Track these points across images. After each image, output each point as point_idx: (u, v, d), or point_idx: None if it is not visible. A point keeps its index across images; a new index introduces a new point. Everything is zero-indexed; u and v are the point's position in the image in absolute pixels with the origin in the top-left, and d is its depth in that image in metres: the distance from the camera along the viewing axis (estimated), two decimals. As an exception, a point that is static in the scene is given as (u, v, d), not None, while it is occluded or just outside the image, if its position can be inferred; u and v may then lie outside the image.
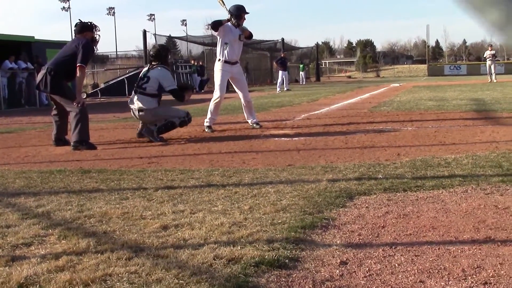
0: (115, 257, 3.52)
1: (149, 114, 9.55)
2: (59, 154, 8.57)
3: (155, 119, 9.59)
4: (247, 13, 10.78)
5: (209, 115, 10.79)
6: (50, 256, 3.59)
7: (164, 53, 10.17)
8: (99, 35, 9.72)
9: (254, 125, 11.16)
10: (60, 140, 9.39)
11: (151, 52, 10.36)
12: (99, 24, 9.81)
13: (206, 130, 10.70)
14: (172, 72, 9.97)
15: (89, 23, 9.61)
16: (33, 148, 9.44)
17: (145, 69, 10.22)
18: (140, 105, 9.56)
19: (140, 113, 9.60)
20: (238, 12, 10.64)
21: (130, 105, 9.80)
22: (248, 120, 11.35)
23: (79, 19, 9.74)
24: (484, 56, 39.59)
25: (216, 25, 10.70)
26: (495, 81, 35.46)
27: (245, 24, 10.91)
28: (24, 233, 4.13)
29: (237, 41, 10.81)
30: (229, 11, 10.64)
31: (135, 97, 9.71)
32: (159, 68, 9.75)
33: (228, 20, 10.63)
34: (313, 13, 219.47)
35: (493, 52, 38.24)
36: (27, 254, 3.69)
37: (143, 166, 7.06)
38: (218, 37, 10.95)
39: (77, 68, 9.07)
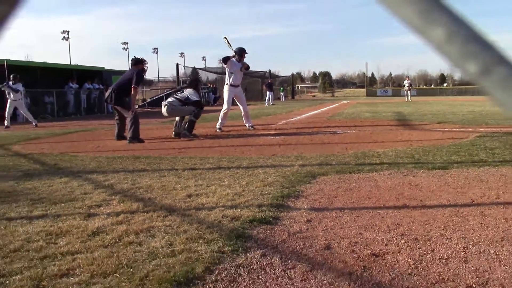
0: (156, 215, 3.52)
1: (170, 108, 9.60)
2: (119, 145, 8.54)
3: (173, 113, 9.65)
4: (247, 53, 10.87)
5: (219, 121, 10.85)
6: (113, 214, 3.59)
7: (195, 82, 10.32)
8: (147, 66, 9.76)
9: (250, 127, 11.23)
10: (120, 136, 9.36)
11: (187, 81, 10.67)
12: (147, 59, 9.86)
13: (217, 130, 10.74)
14: (199, 94, 10.00)
15: (140, 58, 9.63)
16: (102, 142, 9.40)
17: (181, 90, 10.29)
18: (169, 100, 9.72)
19: (165, 107, 9.65)
20: (241, 53, 10.77)
21: (162, 103, 9.94)
22: (246, 124, 11.39)
23: (134, 56, 9.76)
24: (403, 83, 39.86)
25: (225, 60, 10.89)
26: (410, 100, 35.47)
27: (246, 59, 10.99)
28: (96, 198, 4.13)
29: (239, 72, 10.89)
30: (234, 51, 10.71)
31: (168, 99, 9.89)
32: (191, 89, 9.82)
33: (233, 57, 10.71)
34: (291, 54, 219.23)
35: (409, 81, 39.13)
36: (98, 212, 3.68)
37: (175, 154, 7.04)
38: (226, 68, 10.99)
39: (132, 89, 9.09)
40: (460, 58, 0.37)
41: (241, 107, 11.20)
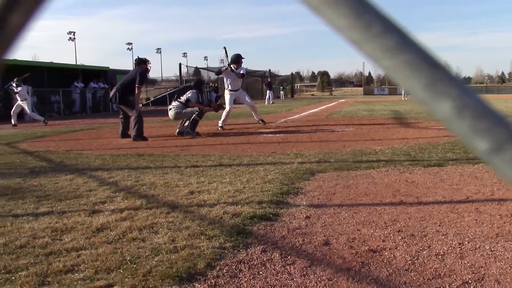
0: (159, 212, 3.50)
1: (174, 111, 9.59)
2: (124, 143, 8.52)
3: (178, 116, 9.62)
4: (243, 58, 11.00)
5: (222, 119, 10.87)
6: (117, 210, 3.58)
7: (199, 84, 10.32)
8: (150, 66, 9.79)
9: (260, 121, 11.61)
10: (125, 134, 9.33)
11: (191, 83, 10.60)
12: (150, 59, 9.90)
13: (219, 128, 10.75)
14: (201, 94, 9.97)
15: (144, 59, 9.62)
16: (106, 140, 9.39)
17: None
18: (174, 104, 9.69)
19: (170, 110, 9.66)
20: (237, 60, 10.86)
21: (168, 107, 9.96)
22: (255, 118, 11.66)
23: (138, 56, 9.77)
24: None
25: (219, 73, 11.43)
26: (406, 99, 35.37)
27: (245, 62, 11.10)
28: (100, 195, 4.11)
29: (236, 79, 10.91)
30: (231, 60, 10.77)
31: (173, 102, 9.82)
32: (192, 90, 9.82)
33: (226, 68, 10.83)
34: (290, 54, 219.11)
35: None
36: (102, 208, 3.67)
37: (178, 152, 7.02)
38: (223, 77, 11.13)
39: (136, 88, 9.06)
40: (469, 134, 0.35)
41: (246, 104, 11.53)
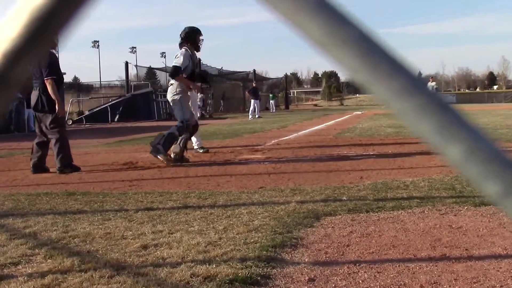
0: (98, 276, 3.47)
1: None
2: (46, 177, 8.46)
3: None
4: (202, 36, 10.49)
5: (196, 138, 10.96)
6: (36, 275, 3.54)
7: (191, 35, 10.04)
8: (57, 39, 9.42)
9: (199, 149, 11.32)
10: (40, 168, 8.95)
11: (181, 34, 10.09)
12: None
13: (199, 151, 10.85)
14: (193, 57, 9.79)
15: None
16: (21, 172, 9.31)
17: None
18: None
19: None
20: (193, 37, 10.56)
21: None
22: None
23: None
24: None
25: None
26: None
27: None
28: (12, 253, 4.07)
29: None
30: (181, 38, 10.53)
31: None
32: (183, 49, 9.83)
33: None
34: (283, 46, 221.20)
35: (433, 83, 36.95)
36: (15, 273, 3.62)
37: (124, 189, 7.00)
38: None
39: (46, 83, 8.71)
40: (480, 177, 0.45)
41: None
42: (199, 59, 10.58)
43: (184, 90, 9.80)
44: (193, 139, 10.97)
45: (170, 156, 9.36)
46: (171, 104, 9.95)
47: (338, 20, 0.46)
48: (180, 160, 9.48)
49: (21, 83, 0.50)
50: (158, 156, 9.23)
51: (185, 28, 10.19)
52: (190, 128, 9.64)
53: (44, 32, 0.49)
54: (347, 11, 0.47)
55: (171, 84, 9.91)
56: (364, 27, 0.47)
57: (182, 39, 10.05)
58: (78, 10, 0.49)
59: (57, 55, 9.37)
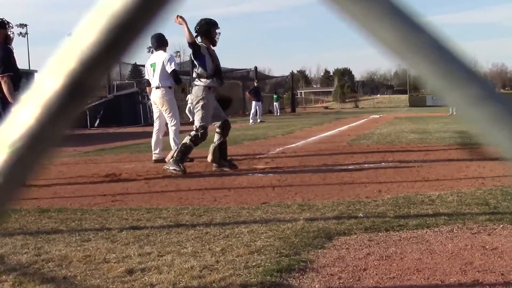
0: (76, 305, 3.47)
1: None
2: (15, 191, 8.44)
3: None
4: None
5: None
6: (5, 304, 3.54)
7: (207, 27, 10.16)
8: (12, 32, 9.18)
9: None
10: None
11: (197, 27, 10.18)
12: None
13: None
14: (209, 53, 9.91)
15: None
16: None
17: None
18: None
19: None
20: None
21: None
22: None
23: None
24: None
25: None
26: (453, 113, 34.74)
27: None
28: (-23, 279, 4.06)
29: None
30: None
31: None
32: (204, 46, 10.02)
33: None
34: (288, 40, 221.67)
35: None
36: (-20, 302, 3.62)
37: (107, 205, 6.99)
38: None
39: (2, 81, 8.64)
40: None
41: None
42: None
43: (210, 93, 10.04)
44: (153, 147, 11.54)
45: (184, 169, 9.68)
46: (192, 108, 10.03)
47: (412, 26, 0.50)
48: (222, 164, 9.93)
49: (96, 91, 0.55)
50: (172, 170, 9.61)
51: (200, 20, 10.35)
52: (205, 137, 9.85)
53: (122, 40, 0.52)
54: (421, 16, 0.51)
55: (196, 86, 10.03)
56: (439, 33, 0.51)
57: (196, 33, 10.23)
58: (155, 18, 0.53)
59: (11, 47, 9.27)
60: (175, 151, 9.77)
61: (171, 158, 9.80)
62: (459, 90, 0.50)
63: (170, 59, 11.35)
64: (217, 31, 10.30)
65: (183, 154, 9.70)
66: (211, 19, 10.40)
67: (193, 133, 9.65)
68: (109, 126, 32.31)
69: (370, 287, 3.71)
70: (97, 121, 33.88)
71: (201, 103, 9.78)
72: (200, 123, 9.71)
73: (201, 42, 10.09)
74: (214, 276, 3.92)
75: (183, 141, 9.74)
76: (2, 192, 0.55)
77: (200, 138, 9.72)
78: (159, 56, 11.47)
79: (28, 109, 0.54)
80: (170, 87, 11.19)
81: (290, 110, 64.11)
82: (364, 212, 5.93)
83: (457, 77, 0.50)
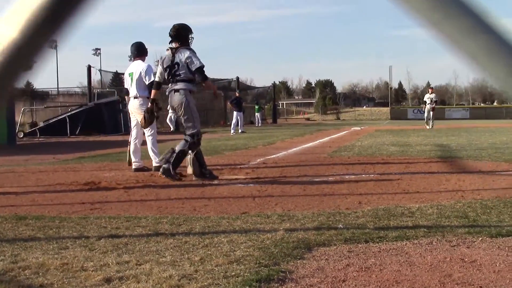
0: (52, 313, 3.45)
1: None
2: (-8, 198, 8.40)
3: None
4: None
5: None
6: (-20, 312, 3.50)
7: (184, 32, 10.27)
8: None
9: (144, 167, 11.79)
10: None
11: (170, 33, 10.29)
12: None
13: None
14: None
15: None
16: (-37, 192, 9.24)
17: (166, 57, 10.29)
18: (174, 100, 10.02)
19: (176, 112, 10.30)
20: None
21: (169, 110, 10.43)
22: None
23: None
24: (424, 99, 36.83)
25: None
26: (431, 127, 34.06)
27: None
28: (-49, 286, 4.03)
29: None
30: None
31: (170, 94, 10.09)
32: (184, 49, 10.06)
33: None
34: (270, 51, 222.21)
35: (432, 95, 35.75)
36: (-46, 309, 3.59)
37: (85, 213, 6.96)
38: None
39: None
40: None
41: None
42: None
43: (192, 96, 10.19)
44: (132, 156, 11.63)
45: (178, 176, 9.87)
46: (179, 113, 10.04)
47: (473, 17, 0.51)
48: (203, 173, 9.95)
49: (18, 85, 0.54)
50: (169, 178, 9.77)
51: (174, 25, 10.43)
52: (200, 143, 10.02)
53: (44, 30, 0.53)
54: (482, 8, 0.52)
55: (175, 90, 10.06)
56: (499, 23, 0.52)
57: (172, 37, 10.29)
58: (78, 9, 0.52)
59: None
60: (189, 160, 9.76)
61: (191, 170, 9.81)
62: (454, 22, 0.51)
63: (148, 71, 11.41)
64: (191, 36, 10.48)
65: (179, 161, 9.80)
66: (186, 24, 10.60)
67: (189, 138, 9.72)
68: (90, 134, 32.20)
69: (349, 298, 3.71)
70: (78, 129, 33.74)
71: (186, 104, 9.88)
72: (191, 130, 9.78)
73: (174, 46, 10.25)
74: (192, 286, 3.91)
75: (180, 148, 9.79)
76: None
77: (196, 144, 9.86)
78: (137, 66, 11.55)
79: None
80: (148, 97, 11.19)
81: (271, 121, 64.24)
82: (344, 223, 5.94)
83: (452, 9, 0.51)
